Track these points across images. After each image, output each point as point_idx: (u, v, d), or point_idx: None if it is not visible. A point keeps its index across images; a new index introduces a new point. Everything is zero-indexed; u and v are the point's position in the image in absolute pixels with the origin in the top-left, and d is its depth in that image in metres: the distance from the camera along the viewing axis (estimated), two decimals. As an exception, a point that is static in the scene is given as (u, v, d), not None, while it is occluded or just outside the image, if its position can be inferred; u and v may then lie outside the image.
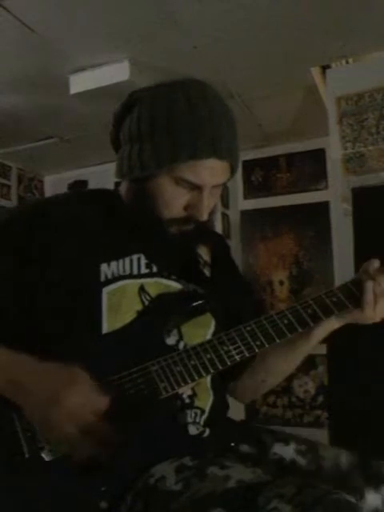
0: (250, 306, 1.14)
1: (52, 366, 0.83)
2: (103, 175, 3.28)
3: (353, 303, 0.98)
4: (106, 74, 2.53)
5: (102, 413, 0.80)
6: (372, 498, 0.88)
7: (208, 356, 0.91)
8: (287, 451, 0.99)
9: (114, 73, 2.51)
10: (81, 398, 0.79)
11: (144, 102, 0.98)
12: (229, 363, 0.91)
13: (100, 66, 2.52)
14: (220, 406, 1.02)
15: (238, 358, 0.92)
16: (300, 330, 0.94)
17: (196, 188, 0.96)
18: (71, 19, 2.17)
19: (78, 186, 3.90)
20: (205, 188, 0.96)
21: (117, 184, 1.11)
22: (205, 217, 0.98)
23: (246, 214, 3.69)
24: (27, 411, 0.82)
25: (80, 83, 2.58)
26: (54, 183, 4.15)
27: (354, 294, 0.98)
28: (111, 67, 2.51)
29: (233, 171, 1.01)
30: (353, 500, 0.71)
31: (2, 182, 3.82)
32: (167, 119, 0.93)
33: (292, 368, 1.10)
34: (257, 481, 0.76)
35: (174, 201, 0.96)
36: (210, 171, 0.95)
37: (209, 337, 0.99)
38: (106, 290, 0.95)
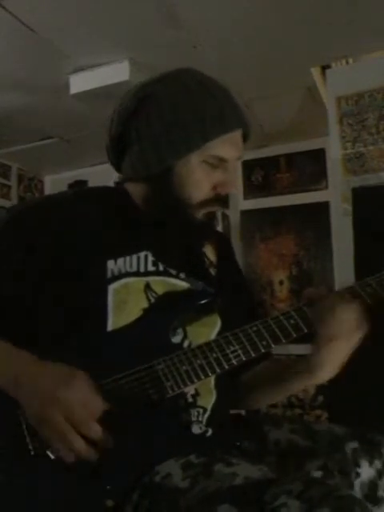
0: (249, 309, 1.15)
1: (52, 364, 0.84)
2: (103, 175, 3.27)
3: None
4: (105, 74, 2.53)
5: (96, 414, 0.81)
6: (367, 471, 0.89)
7: (214, 355, 0.90)
8: (282, 434, 1.00)
9: (114, 73, 2.51)
10: (78, 396, 0.80)
11: (159, 96, 0.99)
12: (235, 363, 0.91)
13: (100, 66, 2.52)
14: (222, 405, 1.02)
15: (244, 357, 0.91)
16: (306, 330, 0.94)
17: (221, 165, 0.99)
18: (71, 19, 2.17)
19: (78, 186, 3.90)
20: (230, 161, 1.00)
21: (117, 184, 1.11)
22: (235, 189, 1.04)
23: (246, 214, 3.69)
24: (24, 406, 0.82)
25: (80, 83, 2.58)
26: (54, 183, 4.15)
27: (358, 295, 0.97)
28: (111, 67, 2.51)
29: (244, 140, 1.05)
30: (359, 497, 0.72)
31: (2, 181, 3.82)
32: (189, 104, 0.97)
33: (273, 401, 1.14)
34: (264, 478, 0.76)
35: (204, 182, 0.99)
36: (236, 143, 1.00)
37: (214, 336, 0.99)
38: (111, 287, 0.95)
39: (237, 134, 1.00)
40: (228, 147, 0.98)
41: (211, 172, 0.99)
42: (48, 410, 0.80)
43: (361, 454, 0.90)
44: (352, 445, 0.92)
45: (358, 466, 0.89)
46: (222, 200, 1.02)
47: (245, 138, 1.04)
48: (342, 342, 0.91)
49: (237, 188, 1.10)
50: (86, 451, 0.80)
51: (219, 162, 0.98)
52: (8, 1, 2.03)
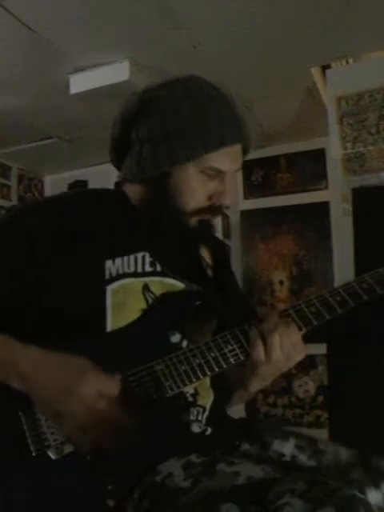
0: (244, 311, 1.16)
1: (60, 358, 0.84)
2: (103, 175, 3.27)
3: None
4: (106, 73, 2.53)
5: (114, 400, 0.81)
6: (372, 495, 0.88)
7: (212, 354, 0.91)
8: (287, 447, 1.00)
9: (114, 73, 2.51)
10: (93, 388, 0.80)
11: (162, 101, 0.99)
12: (233, 362, 0.92)
13: (100, 66, 2.52)
14: (220, 405, 1.03)
15: (242, 356, 0.92)
16: (304, 329, 0.94)
17: (218, 176, 0.99)
18: (71, 19, 2.17)
19: (78, 186, 3.90)
20: (228, 173, 1.00)
21: (116, 184, 1.11)
22: (231, 201, 1.03)
23: (245, 214, 3.69)
24: (39, 405, 0.83)
25: (80, 83, 2.58)
26: (54, 183, 4.15)
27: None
28: (111, 67, 2.51)
29: (244, 154, 1.05)
30: (362, 496, 0.72)
31: (2, 181, 3.82)
32: (191, 113, 0.97)
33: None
34: (266, 477, 0.76)
35: (199, 191, 0.99)
36: (235, 156, 1.01)
37: (211, 336, 1.00)
38: (110, 288, 0.95)
39: (236, 148, 1.00)
40: (227, 160, 0.99)
41: (208, 182, 0.99)
42: (64, 405, 0.80)
43: (366, 483, 0.89)
44: (357, 474, 0.91)
45: (364, 494, 0.88)
46: (215, 210, 1.02)
47: (244, 151, 1.04)
48: (270, 367, 0.91)
49: (234, 199, 1.08)
50: (107, 441, 0.80)
51: (216, 174, 0.99)
52: (8, 1, 2.03)
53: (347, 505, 0.67)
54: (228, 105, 1.00)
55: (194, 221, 1.01)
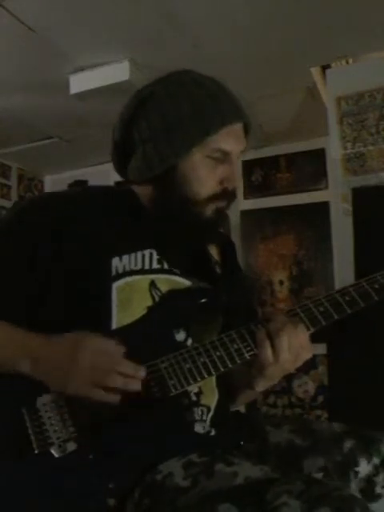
0: (251, 309, 1.16)
1: (63, 335, 0.88)
2: (103, 175, 3.28)
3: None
4: (106, 73, 2.53)
5: (118, 354, 0.85)
6: (364, 466, 0.89)
7: (218, 353, 0.90)
8: (281, 434, 1.00)
9: (114, 73, 2.51)
10: (94, 351, 0.84)
11: (158, 96, 1.00)
12: (239, 361, 0.91)
13: (100, 66, 2.52)
14: (224, 404, 1.03)
15: (248, 355, 0.91)
16: (312, 329, 0.93)
17: (224, 159, 0.99)
18: (71, 19, 2.17)
19: (78, 185, 3.90)
20: (233, 155, 1.00)
21: (118, 183, 1.11)
22: (237, 184, 1.02)
23: (246, 214, 3.69)
24: (50, 381, 0.86)
25: (80, 83, 2.58)
26: (54, 183, 4.15)
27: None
28: (111, 67, 2.51)
29: (245, 135, 1.05)
30: (359, 496, 0.72)
31: (2, 181, 3.82)
32: (187, 101, 0.98)
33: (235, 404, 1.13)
34: (265, 477, 0.76)
35: (209, 177, 0.99)
36: (238, 135, 1.01)
37: (216, 335, 0.99)
38: (115, 285, 0.95)
39: (237, 127, 1.00)
40: (230, 139, 0.99)
41: (215, 167, 0.99)
42: (75, 373, 0.83)
43: (359, 452, 0.91)
44: (350, 443, 0.92)
45: (357, 465, 0.89)
46: (229, 194, 1.01)
47: (246, 131, 1.04)
48: (278, 367, 0.90)
49: (238, 183, 1.08)
50: (127, 383, 0.83)
51: (223, 156, 0.98)
52: (8, 1, 2.03)
53: (344, 505, 0.67)
54: (221, 89, 1.01)
55: (209, 210, 1.00)
